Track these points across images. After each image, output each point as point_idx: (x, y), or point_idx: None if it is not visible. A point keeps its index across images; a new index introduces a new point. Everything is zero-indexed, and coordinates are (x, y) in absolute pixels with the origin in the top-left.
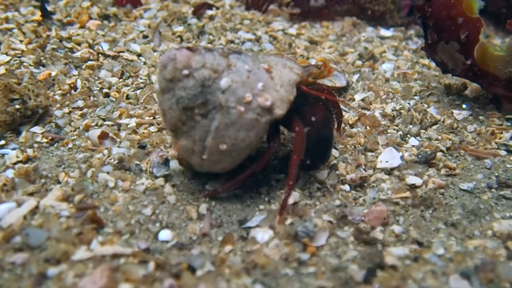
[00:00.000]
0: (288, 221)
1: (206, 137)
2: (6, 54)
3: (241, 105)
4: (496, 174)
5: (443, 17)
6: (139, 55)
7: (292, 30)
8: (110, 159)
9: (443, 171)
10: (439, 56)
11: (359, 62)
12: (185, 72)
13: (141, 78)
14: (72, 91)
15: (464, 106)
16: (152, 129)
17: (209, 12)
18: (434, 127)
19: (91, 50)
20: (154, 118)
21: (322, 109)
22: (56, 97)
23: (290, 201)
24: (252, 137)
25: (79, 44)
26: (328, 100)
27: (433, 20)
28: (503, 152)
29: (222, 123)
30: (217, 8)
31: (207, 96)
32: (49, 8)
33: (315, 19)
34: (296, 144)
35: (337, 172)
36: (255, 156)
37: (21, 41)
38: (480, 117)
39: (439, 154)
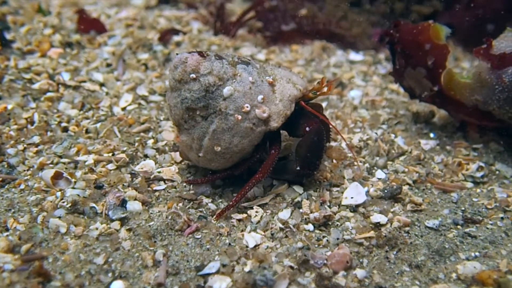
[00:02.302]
0: (247, 267)
1: (204, 137)
2: None
3: (239, 113)
4: (463, 209)
5: (410, 43)
6: (101, 85)
7: (261, 56)
8: (63, 202)
9: (409, 207)
10: (406, 81)
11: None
12: (193, 76)
13: (102, 110)
14: (29, 126)
15: (431, 135)
16: (110, 166)
17: (176, 38)
18: (401, 158)
19: (50, 81)
20: (113, 154)
21: (317, 122)
22: (11, 133)
23: (251, 243)
24: (245, 144)
25: (38, 74)
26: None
27: (401, 46)
28: (469, 184)
29: (219, 127)
30: (184, 34)
31: (209, 100)
32: (9, 36)
33: (285, 43)
34: (265, 164)
35: (301, 210)
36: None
37: None
38: (447, 147)
39: (405, 188)
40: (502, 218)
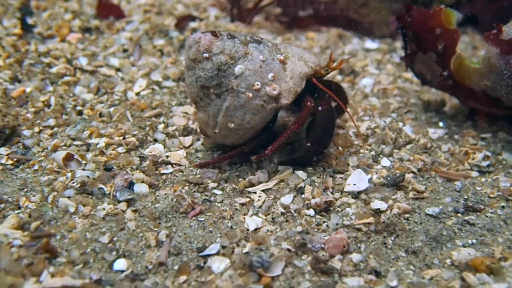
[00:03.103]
0: (246, 249)
1: (218, 114)
2: None
3: (250, 91)
4: (465, 197)
5: (422, 27)
6: (117, 70)
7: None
8: (73, 183)
9: (411, 194)
10: (417, 67)
11: (339, 77)
12: (206, 55)
13: (116, 95)
14: (45, 109)
15: (440, 124)
16: (120, 150)
17: (192, 25)
18: (408, 146)
19: (67, 66)
20: (124, 138)
21: (328, 101)
22: (28, 115)
23: (252, 227)
24: (257, 121)
25: (57, 59)
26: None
27: (412, 30)
28: (474, 173)
29: (232, 105)
30: (201, 20)
31: (222, 79)
32: (31, 20)
33: (301, 29)
34: (300, 116)
35: (303, 196)
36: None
37: None
38: (455, 136)
39: (409, 176)
40: (503, 207)
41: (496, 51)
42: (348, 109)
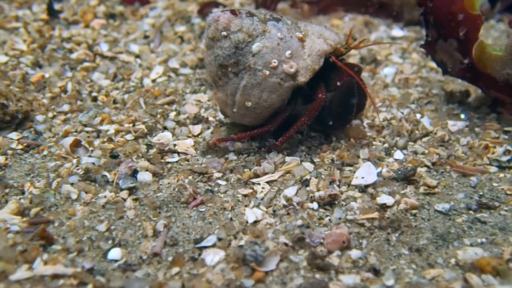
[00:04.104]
0: (242, 241)
1: (236, 93)
2: (6, 54)
3: (267, 69)
4: (481, 193)
5: (443, 12)
6: (137, 56)
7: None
8: (78, 169)
9: (421, 189)
10: (438, 55)
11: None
12: (224, 33)
13: (132, 82)
14: (62, 94)
15: (462, 116)
16: (129, 137)
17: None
18: (424, 139)
19: (87, 52)
20: (133, 125)
21: (347, 75)
22: (44, 100)
23: (251, 219)
24: (274, 99)
25: (79, 44)
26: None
27: (433, 16)
28: (493, 169)
29: (249, 83)
30: (224, 6)
31: (239, 57)
32: (58, 6)
33: (327, 12)
34: (311, 108)
35: (308, 188)
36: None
37: (24, 41)
38: (476, 129)
39: (422, 170)
40: None
41: None
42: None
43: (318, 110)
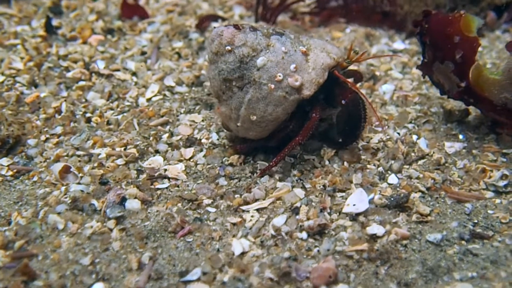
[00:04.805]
0: (226, 277)
1: (240, 107)
2: (2, 73)
3: (272, 82)
4: (475, 221)
5: (439, 34)
6: (133, 74)
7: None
8: (65, 198)
9: (414, 217)
10: (435, 76)
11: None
12: (228, 48)
13: (127, 101)
14: (56, 115)
15: (460, 136)
16: (120, 161)
17: (214, 25)
18: (420, 162)
19: (83, 70)
20: (125, 148)
21: (351, 92)
22: (38, 122)
23: (238, 251)
24: (279, 112)
25: (75, 62)
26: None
27: (429, 37)
28: (489, 194)
29: (254, 97)
30: (223, 20)
31: (244, 71)
32: (57, 22)
33: (328, 26)
34: (305, 128)
35: (297, 217)
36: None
37: (22, 58)
38: (474, 151)
39: (416, 195)
40: None
41: None
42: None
43: (312, 130)
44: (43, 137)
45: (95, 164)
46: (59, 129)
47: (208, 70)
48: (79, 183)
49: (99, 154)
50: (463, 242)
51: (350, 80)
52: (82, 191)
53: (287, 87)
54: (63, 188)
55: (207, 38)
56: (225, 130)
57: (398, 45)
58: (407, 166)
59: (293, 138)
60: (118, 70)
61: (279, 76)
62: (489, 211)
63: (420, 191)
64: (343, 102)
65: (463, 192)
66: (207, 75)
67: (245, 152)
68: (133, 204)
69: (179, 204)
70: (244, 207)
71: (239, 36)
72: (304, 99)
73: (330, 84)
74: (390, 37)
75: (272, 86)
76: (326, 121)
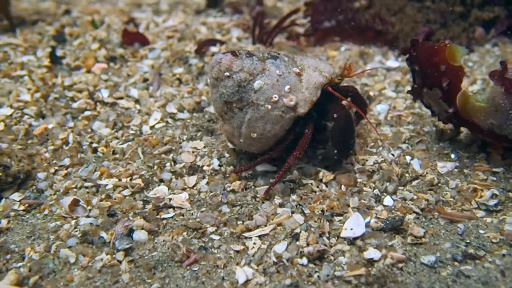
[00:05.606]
0: None
1: (241, 126)
2: (11, 106)
3: (269, 103)
4: (468, 241)
5: (426, 63)
6: (136, 101)
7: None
8: (76, 231)
9: (409, 239)
10: (426, 100)
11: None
12: (227, 73)
13: (131, 129)
14: (64, 147)
15: (452, 156)
16: (126, 192)
17: (213, 49)
18: (414, 183)
19: (88, 100)
20: (131, 179)
21: (343, 107)
22: (46, 154)
23: (242, 279)
24: (277, 129)
25: (80, 92)
26: (355, 96)
27: (418, 65)
28: (481, 213)
29: (253, 117)
30: (222, 44)
31: (242, 94)
32: (61, 52)
33: (323, 45)
34: (300, 143)
35: (298, 243)
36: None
37: (28, 90)
38: (465, 170)
39: (411, 217)
40: (503, 255)
41: (501, 90)
42: (357, 141)
43: (307, 144)
44: (52, 170)
45: (103, 196)
46: (67, 161)
47: (210, 93)
48: (88, 216)
49: (106, 185)
50: (455, 263)
51: (347, 96)
52: (91, 224)
53: (283, 107)
54: (73, 222)
55: (207, 64)
56: (226, 156)
57: (392, 63)
58: (402, 188)
59: (291, 152)
60: (121, 98)
61: (275, 97)
62: (480, 231)
63: (414, 212)
64: (335, 115)
65: (456, 213)
66: (210, 97)
67: (249, 169)
68: (140, 235)
69: (184, 233)
70: (246, 234)
71: (236, 62)
72: (299, 116)
73: (325, 99)
74: (383, 54)
75: (269, 106)
76: (322, 145)
